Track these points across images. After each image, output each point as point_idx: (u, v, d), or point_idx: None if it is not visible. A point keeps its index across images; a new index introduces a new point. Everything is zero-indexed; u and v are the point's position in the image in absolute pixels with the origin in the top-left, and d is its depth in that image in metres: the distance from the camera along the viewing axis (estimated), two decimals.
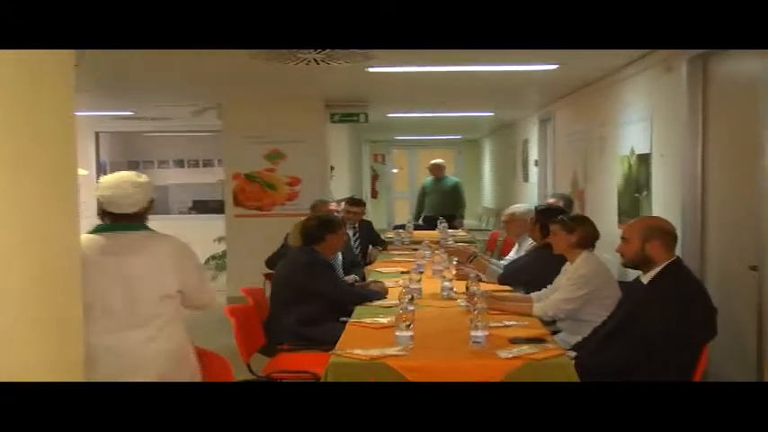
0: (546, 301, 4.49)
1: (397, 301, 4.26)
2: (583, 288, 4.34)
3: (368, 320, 4.28)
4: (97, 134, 12.29)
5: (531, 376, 3.33)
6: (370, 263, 7.43)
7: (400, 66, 6.34)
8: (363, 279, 6.36)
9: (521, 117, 11.87)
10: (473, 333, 3.59)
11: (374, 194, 18.85)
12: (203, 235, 10.56)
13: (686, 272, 3.75)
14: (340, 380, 3.39)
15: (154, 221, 3.49)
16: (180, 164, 14.95)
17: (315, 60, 5.78)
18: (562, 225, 4.60)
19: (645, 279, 3.74)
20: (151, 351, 3.25)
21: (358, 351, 3.54)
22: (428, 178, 11.82)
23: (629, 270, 4.18)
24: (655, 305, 3.56)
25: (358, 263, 7.38)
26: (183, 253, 3.39)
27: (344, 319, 4.46)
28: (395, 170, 19.79)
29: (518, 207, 6.18)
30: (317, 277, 4.91)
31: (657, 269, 3.68)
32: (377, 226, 15.59)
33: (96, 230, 3.32)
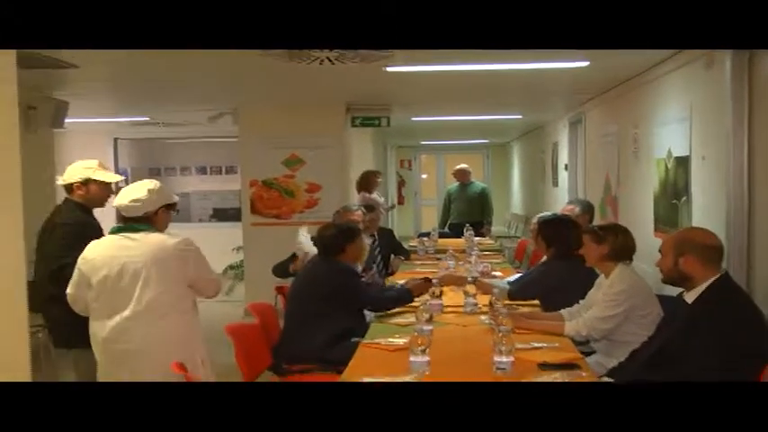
0: (579, 319, 4.09)
1: (415, 319, 3.92)
2: (620, 306, 3.94)
3: (382, 341, 3.92)
4: (116, 140, 12.06)
5: None
6: (392, 273, 7.08)
7: (419, 65, 5.97)
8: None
9: (550, 119, 11.45)
10: (497, 359, 3.21)
11: (401, 201, 18.48)
12: (223, 243, 10.28)
13: (734, 290, 3.33)
14: None
15: (173, 230, 3.85)
16: (202, 170, 14.71)
17: (329, 59, 5.43)
18: (591, 235, 4.22)
19: (688, 298, 3.33)
20: (148, 342, 3.56)
21: (367, 379, 3.18)
22: (454, 184, 11.44)
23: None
24: (700, 331, 3.15)
25: (378, 273, 7.04)
26: (179, 248, 3.66)
27: (356, 339, 4.10)
28: (424, 176, 19.39)
29: (546, 216, 5.77)
30: (343, 282, 4.61)
31: (702, 287, 3.27)
32: (403, 233, 15.37)
33: (110, 232, 3.74)
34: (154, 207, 3.71)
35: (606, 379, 3.49)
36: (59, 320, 4.20)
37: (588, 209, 6.66)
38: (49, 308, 4.25)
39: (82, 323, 3.84)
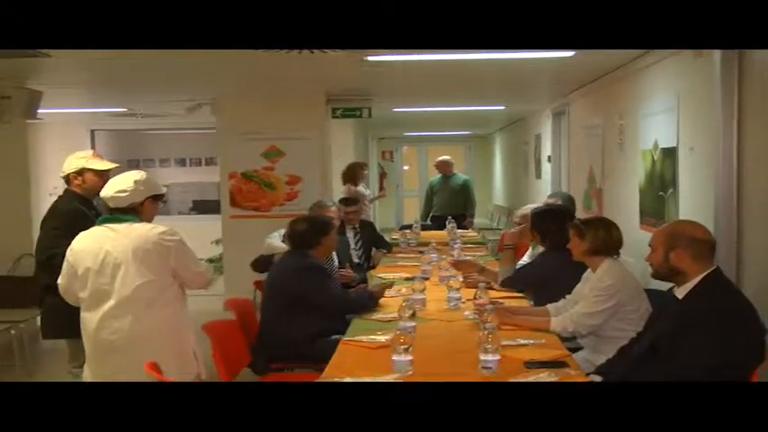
0: (566, 314, 3.99)
1: (397, 315, 3.81)
2: (608, 301, 3.84)
3: (364, 338, 3.79)
4: (93, 132, 11.82)
5: None
6: (373, 267, 6.95)
7: (400, 54, 5.82)
8: (365, 282, 5.92)
9: (533, 110, 11.35)
10: (482, 357, 3.10)
11: (382, 193, 18.31)
12: (203, 236, 10.09)
13: (726, 285, 3.22)
14: None
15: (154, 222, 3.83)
16: (182, 162, 14.50)
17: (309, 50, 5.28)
18: (574, 230, 4.13)
19: (679, 293, 3.22)
20: (134, 333, 3.57)
21: (348, 379, 3.06)
22: (436, 176, 11.31)
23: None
24: (690, 327, 3.03)
25: (360, 266, 6.92)
26: (162, 238, 3.64)
27: (337, 336, 3.98)
28: (406, 167, 19.26)
29: (530, 208, 5.66)
30: (308, 282, 4.44)
31: (692, 283, 3.16)
32: (385, 225, 15.27)
33: (97, 223, 3.77)
34: (140, 198, 3.73)
35: (594, 376, 3.38)
36: (52, 311, 4.34)
37: (569, 202, 6.55)
38: (43, 297, 4.40)
39: (73, 313, 3.91)
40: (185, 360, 3.74)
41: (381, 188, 18.09)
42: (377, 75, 7.04)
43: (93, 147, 11.83)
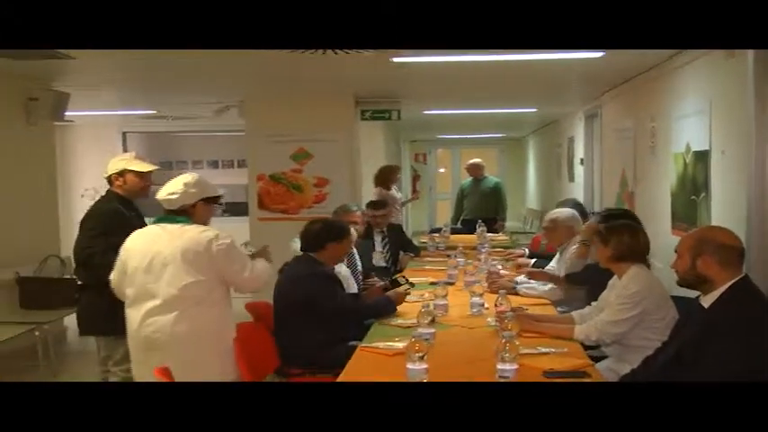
0: (590, 322, 3.87)
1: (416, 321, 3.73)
2: (633, 309, 3.72)
3: (381, 345, 3.72)
4: (124, 134, 11.90)
5: None
6: (400, 270, 6.87)
7: (426, 55, 5.74)
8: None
9: (566, 113, 11.20)
10: (500, 366, 3.01)
11: (415, 195, 18.22)
12: (235, 238, 10.07)
13: (754, 294, 3.08)
14: None
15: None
16: (214, 164, 14.56)
17: (332, 49, 5.23)
18: (598, 236, 4.00)
19: (705, 302, 3.10)
20: (176, 332, 3.60)
21: None
22: (467, 179, 11.20)
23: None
24: (716, 336, 2.91)
25: (386, 270, 6.86)
26: (211, 241, 3.65)
27: (354, 343, 3.90)
28: (442, 170, 19.09)
29: (561, 212, 5.53)
30: (316, 290, 4.33)
31: (719, 291, 3.04)
32: (417, 228, 15.18)
33: (152, 222, 3.87)
34: (191, 200, 3.77)
35: None
36: (89, 308, 4.47)
37: (579, 208, 6.28)
38: (80, 296, 4.54)
39: (108, 311, 4.11)
40: (227, 361, 3.77)
41: (414, 191, 18.05)
42: (405, 76, 6.98)
43: (124, 149, 11.95)
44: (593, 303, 4.15)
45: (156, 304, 3.65)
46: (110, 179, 4.59)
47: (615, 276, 4.02)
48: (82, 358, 6.52)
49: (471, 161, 11.18)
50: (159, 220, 3.82)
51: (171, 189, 3.77)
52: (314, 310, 4.29)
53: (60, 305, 6.25)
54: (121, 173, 4.54)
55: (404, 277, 5.27)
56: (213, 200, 3.93)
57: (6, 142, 6.70)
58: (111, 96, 8.57)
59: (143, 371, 3.71)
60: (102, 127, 11.31)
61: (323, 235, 4.57)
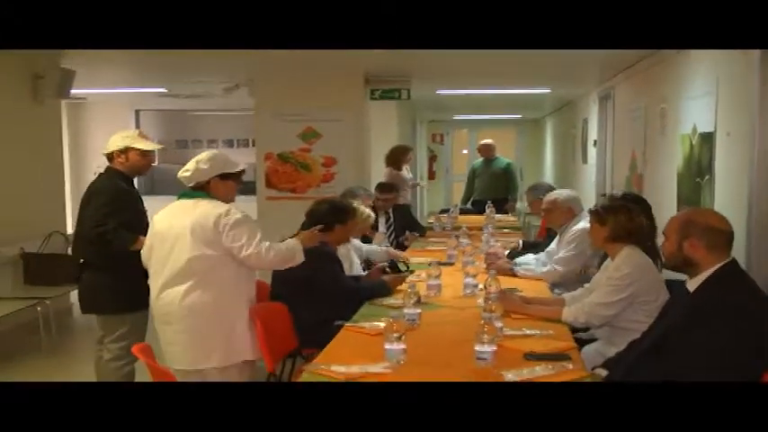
0: (578, 304, 3.81)
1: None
2: (623, 291, 3.66)
3: (366, 325, 3.68)
4: (138, 112, 11.92)
5: None
6: (404, 250, 6.83)
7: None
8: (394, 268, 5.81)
9: (580, 94, 11.06)
10: (478, 348, 2.96)
11: (431, 176, 18.17)
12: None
13: (741, 278, 3.00)
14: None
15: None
16: (229, 143, 14.57)
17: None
18: (595, 216, 3.92)
19: (691, 286, 3.03)
20: (183, 307, 3.62)
21: (336, 367, 2.95)
22: (478, 160, 11.12)
23: None
24: (700, 322, 2.84)
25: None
26: (219, 219, 3.64)
27: (340, 322, 3.87)
28: (465, 151, 18.90)
29: (560, 193, 5.45)
30: (315, 267, 4.27)
31: (705, 275, 2.97)
32: (433, 209, 15.08)
33: (177, 197, 3.86)
34: (204, 177, 3.76)
35: (600, 370, 3.20)
36: (91, 286, 4.48)
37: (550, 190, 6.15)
38: (81, 274, 4.51)
39: (110, 289, 4.34)
40: (234, 342, 3.71)
41: (431, 172, 17.99)
42: (414, 55, 6.90)
43: (137, 126, 11.98)
44: (586, 285, 4.09)
45: (167, 278, 3.68)
46: (111, 156, 4.53)
47: (609, 259, 3.96)
48: (86, 335, 6.55)
49: (482, 142, 11.11)
50: (180, 196, 3.83)
51: (186, 167, 3.81)
52: (312, 287, 4.27)
53: (64, 281, 6.27)
54: (124, 150, 4.49)
55: (404, 262, 5.25)
56: (231, 176, 3.86)
57: (13, 120, 6.72)
58: (121, 74, 8.56)
59: (161, 343, 3.74)
60: (115, 105, 11.34)
61: (330, 217, 4.57)
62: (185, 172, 3.78)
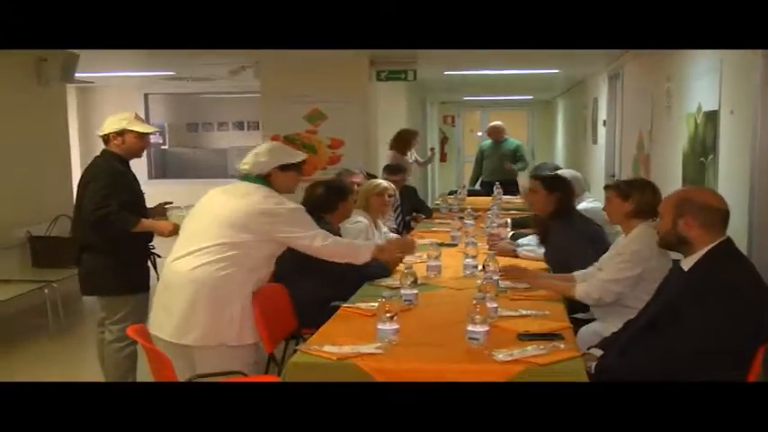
0: (591, 280, 3.77)
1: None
2: (635, 268, 3.63)
3: (362, 305, 3.68)
4: (146, 95, 11.95)
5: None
6: (409, 231, 6.83)
7: None
8: None
9: (591, 74, 10.96)
10: (469, 328, 2.95)
11: (443, 158, 18.10)
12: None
13: (736, 257, 2.98)
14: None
15: (208, 184, 4.09)
16: (240, 126, 14.59)
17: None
18: (617, 191, 3.88)
19: (685, 265, 3.01)
20: (185, 276, 3.55)
21: (329, 347, 2.95)
22: (487, 141, 11.07)
23: None
24: (694, 301, 2.82)
25: (397, 232, 6.80)
26: (255, 208, 3.61)
27: (336, 303, 3.87)
28: (479, 133, 18.80)
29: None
30: None
31: (699, 254, 2.95)
32: (445, 190, 15.04)
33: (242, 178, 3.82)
34: (265, 169, 3.74)
35: (594, 350, 3.19)
36: (92, 269, 4.48)
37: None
38: (82, 256, 4.51)
39: (110, 272, 4.34)
40: (219, 325, 3.59)
41: (443, 153, 17.92)
42: None
43: (146, 110, 12.01)
44: (595, 264, 4.04)
45: (193, 248, 3.60)
46: (107, 138, 4.53)
47: (621, 235, 3.93)
48: (93, 317, 6.58)
49: (491, 124, 11.06)
50: (243, 179, 3.80)
51: (245, 159, 3.79)
52: (317, 265, 4.28)
53: (71, 264, 6.29)
54: (121, 132, 4.48)
55: None
56: (291, 167, 3.82)
57: (18, 103, 6.75)
58: (128, 57, 8.55)
59: (155, 306, 3.71)
60: (124, 89, 11.37)
61: (332, 197, 4.63)
62: (244, 165, 3.76)
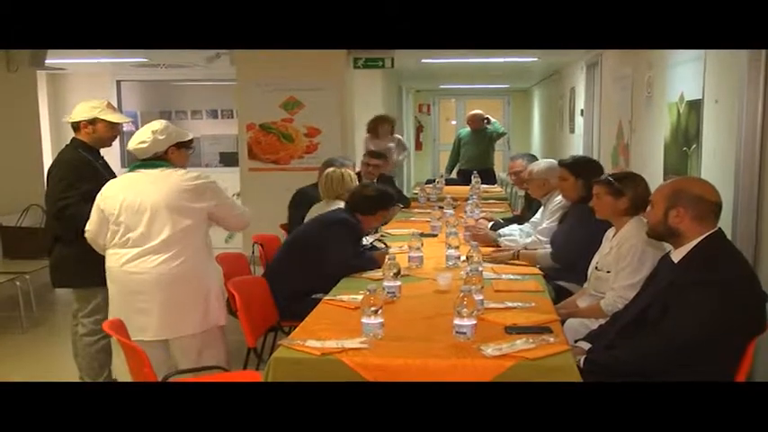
0: (610, 293, 3.59)
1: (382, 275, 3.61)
2: (646, 263, 3.47)
3: (345, 298, 3.59)
4: (119, 83, 11.73)
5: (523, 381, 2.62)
6: (385, 222, 6.73)
7: None
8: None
9: (568, 62, 10.92)
10: (456, 321, 2.88)
11: (418, 146, 18.03)
12: (230, 188, 9.94)
13: (726, 248, 2.93)
14: (281, 380, 2.72)
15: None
16: (213, 114, 14.38)
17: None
18: (608, 187, 3.72)
19: (675, 257, 2.96)
20: (161, 274, 3.57)
21: (312, 342, 2.87)
22: (465, 129, 11.00)
23: None
24: (684, 293, 2.78)
25: None
26: (198, 182, 3.69)
27: (318, 295, 3.78)
28: (453, 122, 18.76)
29: (537, 164, 5.34)
30: (330, 234, 4.33)
31: (690, 245, 2.89)
32: (420, 179, 14.97)
33: (128, 169, 3.83)
34: (162, 147, 3.77)
35: (582, 343, 3.14)
36: (61, 261, 4.39)
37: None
38: (53, 248, 4.43)
39: (82, 263, 4.16)
40: (208, 307, 3.72)
41: (418, 142, 17.85)
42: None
43: (119, 98, 11.80)
44: (599, 274, 3.81)
45: (144, 249, 3.61)
46: (77, 125, 4.41)
47: (610, 232, 3.82)
48: (67, 309, 6.44)
49: (472, 112, 10.99)
50: (137, 167, 3.78)
51: (140, 138, 3.75)
52: (319, 256, 4.23)
53: (43, 255, 6.14)
54: (92, 121, 4.37)
55: (380, 240, 5.17)
56: (185, 144, 3.90)
57: None
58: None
59: (126, 312, 3.61)
60: (96, 76, 11.15)
61: (379, 203, 4.66)
62: (142, 144, 3.74)
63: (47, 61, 7.20)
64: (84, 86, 11.13)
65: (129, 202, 3.66)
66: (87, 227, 3.83)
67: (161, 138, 3.75)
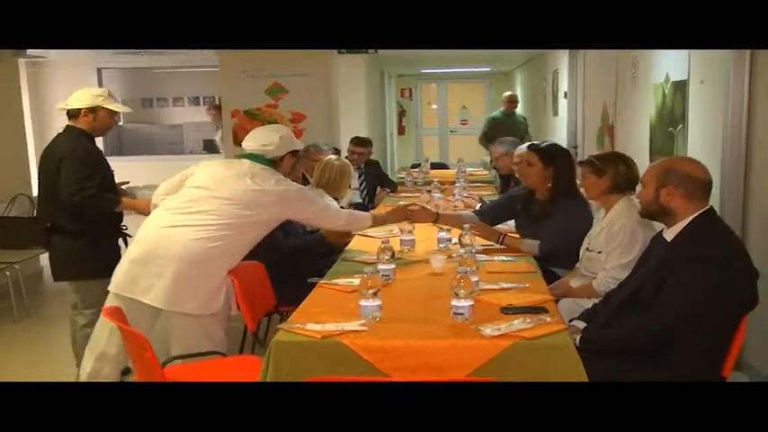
0: (601, 273, 3.63)
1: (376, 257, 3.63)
2: (636, 245, 3.51)
3: (341, 281, 3.61)
4: (99, 70, 11.66)
5: (521, 360, 2.65)
6: (373, 207, 6.77)
7: None
8: None
9: None
10: (454, 303, 2.91)
11: (401, 131, 18.05)
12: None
13: (718, 226, 2.97)
14: (283, 363, 2.74)
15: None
16: (195, 101, 14.34)
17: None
18: (590, 167, 3.76)
19: (668, 235, 3.00)
20: (186, 246, 3.50)
21: (312, 325, 2.89)
22: (498, 111, 10.81)
23: None
24: (677, 270, 2.82)
25: (363, 206, 6.75)
26: (266, 194, 3.64)
27: (314, 279, 3.80)
28: (434, 106, 18.78)
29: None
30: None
31: (682, 224, 2.94)
32: (404, 164, 15.00)
33: (245, 156, 3.83)
34: (281, 153, 3.82)
35: (577, 322, 3.18)
36: (65, 254, 4.35)
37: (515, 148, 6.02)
38: (51, 239, 4.36)
39: (82, 255, 4.23)
40: (212, 297, 3.63)
41: (400, 127, 17.87)
42: None
43: (100, 85, 11.72)
44: (590, 254, 3.80)
45: (189, 220, 3.57)
46: (76, 113, 4.33)
47: (600, 213, 3.84)
48: (57, 300, 6.44)
49: (507, 93, 10.81)
50: (248, 157, 3.80)
51: (264, 141, 3.78)
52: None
53: (31, 244, 6.13)
54: (94, 109, 4.32)
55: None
56: (296, 152, 3.99)
57: None
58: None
59: (137, 270, 3.60)
60: (76, 64, 11.07)
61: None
62: (265, 146, 3.76)
63: (28, 50, 7.13)
64: (65, 74, 11.06)
65: (203, 176, 3.71)
66: (164, 184, 3.88)
67: (284, 144, 3.82)
